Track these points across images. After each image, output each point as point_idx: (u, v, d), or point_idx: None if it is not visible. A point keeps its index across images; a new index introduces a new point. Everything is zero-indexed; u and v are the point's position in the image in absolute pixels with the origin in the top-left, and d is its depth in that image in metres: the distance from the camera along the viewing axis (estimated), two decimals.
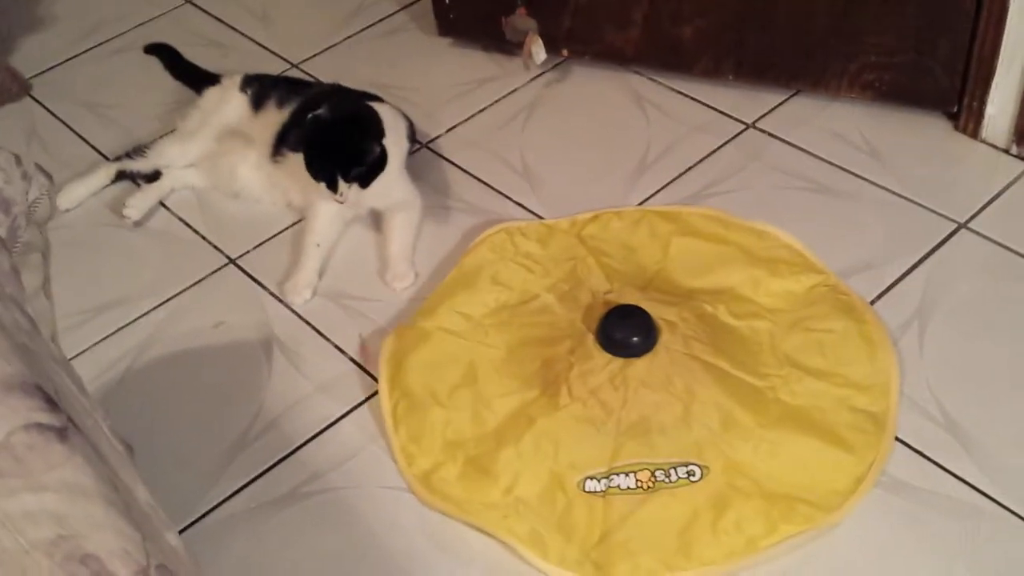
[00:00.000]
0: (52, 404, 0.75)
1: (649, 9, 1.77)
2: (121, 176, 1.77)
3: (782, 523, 1.19)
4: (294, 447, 1.35)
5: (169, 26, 2.17)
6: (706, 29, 1.76)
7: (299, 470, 1.33)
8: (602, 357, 1.32)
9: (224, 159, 1.71)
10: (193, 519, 1.28)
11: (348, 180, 1.47)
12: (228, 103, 1.74)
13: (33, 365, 0.79)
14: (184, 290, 1.59)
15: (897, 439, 1.28)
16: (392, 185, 1.56)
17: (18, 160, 1.07)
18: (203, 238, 1.68)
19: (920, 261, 1.49)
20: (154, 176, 1.74)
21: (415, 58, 2.00)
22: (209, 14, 2.20)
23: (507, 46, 1.91)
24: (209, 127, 1.74)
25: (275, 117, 1.66)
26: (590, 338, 1.35)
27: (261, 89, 1.73)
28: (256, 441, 1.37)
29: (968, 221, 1.54)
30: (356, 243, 1.63)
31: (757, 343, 1.37)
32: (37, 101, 2.01)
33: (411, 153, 1.69)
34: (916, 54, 1.63)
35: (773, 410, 1.28)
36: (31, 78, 2.05)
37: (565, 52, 1.88)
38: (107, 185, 1.76)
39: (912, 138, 1.69)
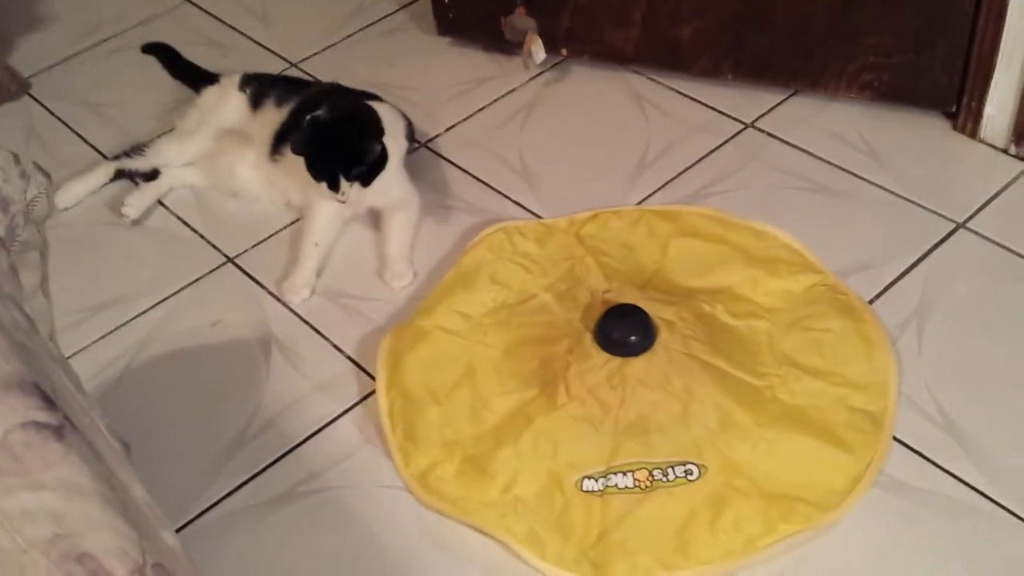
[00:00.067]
0: (49, 402, 0.75)
1: (648, 9, 1.77)
2: (119, 175, 1.77)
3: (780, 522, 1.19)
4: (292, 446, 1.35)
5: (169, 25, 2.17)
6: (705, 29, 1.76)
7: (297, 469, 1.33)
8: (600, 356, 1.32)
9: (223, 158, 1.71)
10: (190, 518, 1.28)
11: (350, 179, 1.47)
12: (227, 102, 1.74)
13: (31, 363, 0.79)
14: (182, 289, 1.59)
15: (895, 439, 1.28)
16: (391, 184, 1.56)
17: (16, 159, 1.07)
18: (201, 237, 1.68)
19: (918, 261, 1.49)
20: (152, 175, 1.74)
21: (414, 57, 2.00)
22: (209, 13, 2.20)
23: (506, 45, 1.91)
24: (208, 126, 1.74)
25: (274, 116, 1.66)
26: (588, 337, 1.35)
27: (260, 88, 1.73)
28: (254, 440, 1.37)
29: (967, 221, 1.54)
30: (354, 242, 1.63)
31: (755, 342, 1.37)
32: (36, 100, 2.01)
33: (410, 152, 1.69)
34: (915, 54, 1.63)
35: (771, 409, 1.28)
36: (30, 77, 2.05)
37: (564, 52, 1.88)
38: (105, 184, 1.77)
39: (911, 138, 1.69)
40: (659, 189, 1.66)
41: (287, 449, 1.35)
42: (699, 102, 1.82)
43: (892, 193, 1.60)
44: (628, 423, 1.27)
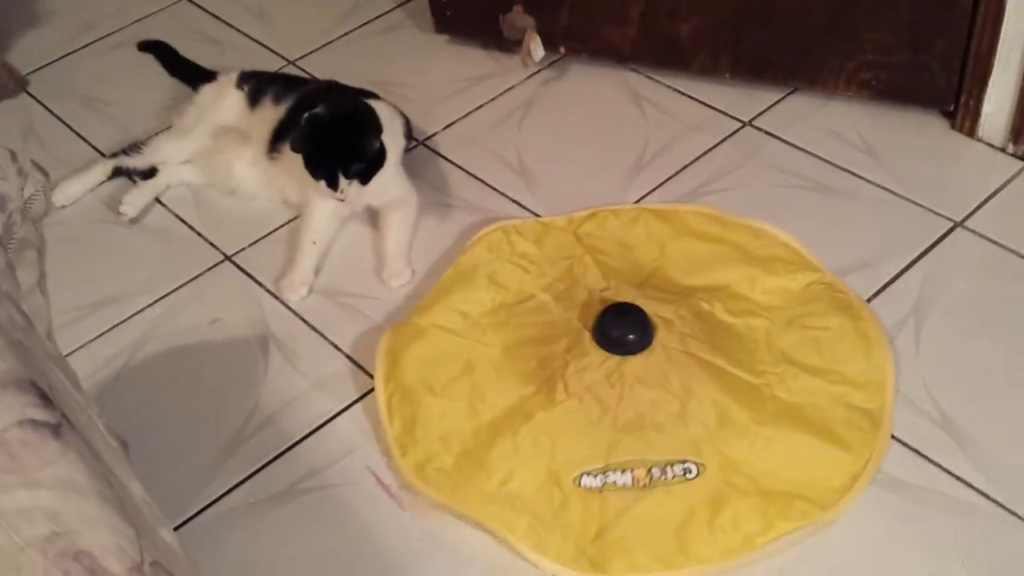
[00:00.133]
0: (46, 400, 0.75)
1: (646, 6, 1.77)
2: (117, 173, 1.77)
3: (778, 520, 1.19)
4: (290, 444, 1.35)
5: (166, 22, 2.17)
6: (703, 27, 1.76)
7: (295, 467, 1.33)
8: (598, 355, 1.32)
9: (220, 156, 1.71)
10: (189, 516, 1.28)
11: (348, 177, 1.47)
12: (224, 100, 1.74)
13: (28, 362, 0.79)
14: (180, 287, 1.59)
15: (893, 436, 1.28)
16: (389, 182, 1.56)
17: (14, 156, 1.07)
18: (199, 235, 1.68)
19: (916, 259, 1.49)
20: (150, 173, 1.74)
21: (412, 55, 2.00)
22: (206, 11, 2.19)
23: (504, 43, 1.90)
24: (205, 124, 1.73)
25: (271, 114, 1.66)
26: (586, 336, 1.34)
27: (257, 86, 1.72)
28: (252, 438, 1.37)
29: (964, 219, 1.55)
30: (352, 240, 1.63)
31: (753, 340, 1.37)
32: (34, 97, 2.00)
33: (407, 150, 1.69)
34: (913, 52, 1.63)
35: (769, 407, 1.29)
36: (28, 74, 2.05)
37: (562, 49, 1.88)
38: (103, 182, 1.76)
39: (909, 136, 1.69)
40: (657, 187, 1.66)
41: (286, 447, 1.35)
42: (697, 100, 1.82)
43: (890, 192, 1.60)
44: (626, 421, 1.27)
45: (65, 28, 2.17)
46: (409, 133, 1.71)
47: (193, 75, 1.89)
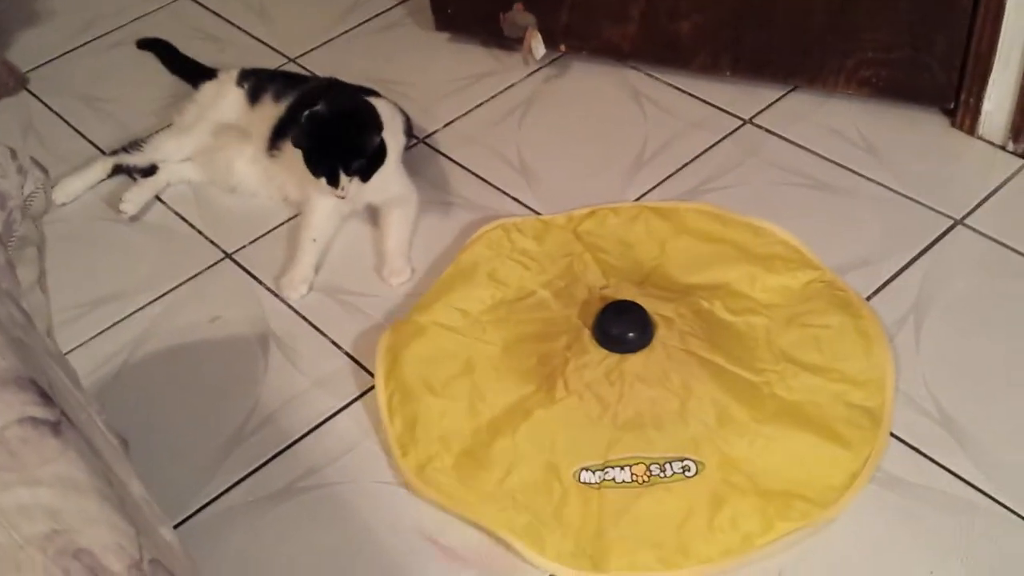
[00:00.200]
0: (46, 398, 0.75)
1: (647, 5, 1.77)
2: (117, 170, 1.77)
3: (778, 520, 1.19)
4: (290, 442, 1.35)
5: (166, 20, 2.17)
6: (703, 25, 1.76)
7: (295, 465, 1.33)
8: (598, 352, 1.32)
9: (220, 153, 1.71)
10: (189, 514, 1.28)
11: (349, 174, 1.47)
12: (224, 97, 1.74)
13: (27, 359, 0.79)
14: (180, 285, 1.59)
15: (892, 435, 1.28)
16: (389, 180, 1.56)
17: (14, 154, 1.07)
18: (199, 233, 1.68)
19: (916, 257, 1.49)
20: (150, 170, 1.74)
21: (412, 53, 2.00)
22: (206, 8, 2.19)
23: (504, 41, 1.90)
24: (205, 121, 1.73)
25: (271, 111, 1.66)
26: (586, 334, 1.35)
27: (258, 83, 1.72)
28: (252, 436, 1.37)
29: (964, 217, 1.54)
30: (352, 238, 1.63)
31: (753, 339, 1.37)
32: (34, 95, 2.00)
33: (408, 148, 1.69)
34: (913, 50, 1.63)
35: (769, 405, 1.29)
36: (28, 72, 2.05)
37: (562, 47, 1.88)
38: (103, 179, 1.76)
39: (909, 134, 1.69)
40: (657, 185, 1.66)
41: (285, 445, 1.35)
42: (697, 98, 1.81)
43: (890, 189, 1.60)
44: (626, 419, 1.27)
45: (65, 26, 2.17)
46: (409, 131, 1.71)
47: (193, 73, 1.89)
